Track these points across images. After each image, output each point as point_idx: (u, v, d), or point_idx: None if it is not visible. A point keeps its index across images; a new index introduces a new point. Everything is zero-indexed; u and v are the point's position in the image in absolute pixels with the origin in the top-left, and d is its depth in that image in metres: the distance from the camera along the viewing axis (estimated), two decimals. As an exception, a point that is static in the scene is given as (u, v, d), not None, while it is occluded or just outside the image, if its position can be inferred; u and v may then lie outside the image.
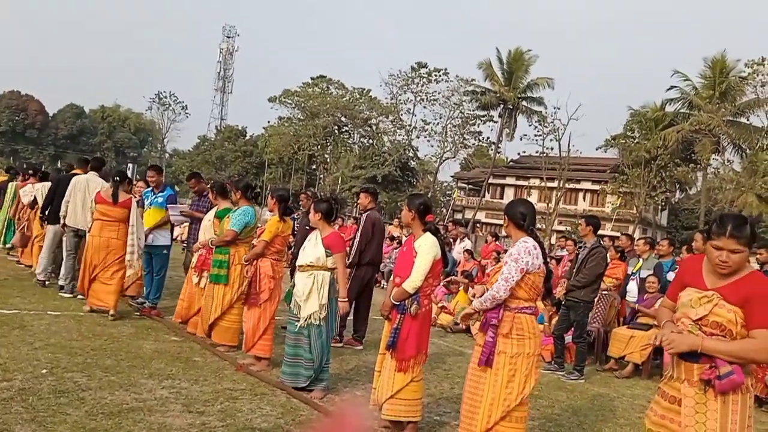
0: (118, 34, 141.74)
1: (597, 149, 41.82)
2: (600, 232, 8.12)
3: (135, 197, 8.98)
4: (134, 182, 10.02)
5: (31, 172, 11.05)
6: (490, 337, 3.78)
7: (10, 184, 11.82)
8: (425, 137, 50.06)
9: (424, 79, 48.95)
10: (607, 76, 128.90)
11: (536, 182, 44.33)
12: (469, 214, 48.15)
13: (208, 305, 6.40)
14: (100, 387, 4.57)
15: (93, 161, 8.83)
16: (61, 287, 8.21)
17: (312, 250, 5.28)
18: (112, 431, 3.78)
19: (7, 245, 11.51)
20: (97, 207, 7.31)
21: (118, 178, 7.44)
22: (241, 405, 4.63)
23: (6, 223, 11.48)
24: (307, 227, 7.35)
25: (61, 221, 8.11)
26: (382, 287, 13.87)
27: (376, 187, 46.62)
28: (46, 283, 8.61)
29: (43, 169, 11.59)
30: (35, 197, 9.81)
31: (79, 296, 7.70)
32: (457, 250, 13.89)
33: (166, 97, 76.84)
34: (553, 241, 32.02)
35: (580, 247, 7.80)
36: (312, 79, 56.24)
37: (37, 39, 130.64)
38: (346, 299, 5.14)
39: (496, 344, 3.77)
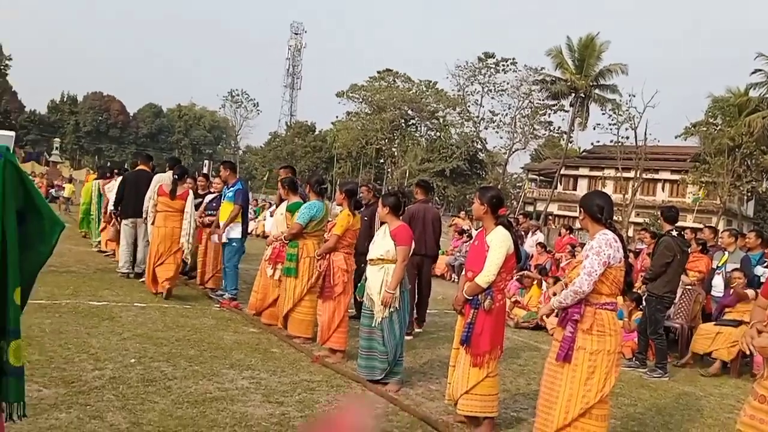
0: (193, 34, 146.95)
1: (676, 137, 40.05)
2: (681, 224, 7.77)
3: (213, 193, 9.36)
4: (211, 179, 10.36)
5: (116, 171, 12.09)
6: (570, 332, 3.69)
7: (94, 182, 12.84)
8: (494, 129, 49.46)
9: (492, 70, 48.29)
10: (686, 61, 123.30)
11: (611, 173, 42.89)
12: (540, 207, 47.24)
13: (283, 297, 6.58)
14: (184, 376, 4.75)
15: (170, 160, 9.51)
16: (139, 275, 8.85)
17: (381, 243, 5.30)
18: (197, 419, 3.92)
19: (95, 240, 12.39)
20: (159, 199, 8.18)
21: (177, 176, 8.31)
22: (319, 396, 4.70)
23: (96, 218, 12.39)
24: (366, 218, 7.42)
25: (144, 215, 8.66)
26: (453, 281, 13.80)
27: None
28: (130, 275, 9.12)
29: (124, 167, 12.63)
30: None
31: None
32: (529, 244, 13.66)
33: (238, 95, 78.85)
34: (630, 233, 30.98)
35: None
36: (378, 72, 56.53)
37: (116, 41, 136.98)
38: (393, 292, 5.12)
39: (576, 339, 3.68)
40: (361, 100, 56.77)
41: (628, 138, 38.58)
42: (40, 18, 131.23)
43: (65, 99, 74.82)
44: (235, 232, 8.14)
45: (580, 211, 3.97)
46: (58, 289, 7.50)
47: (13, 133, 32.51)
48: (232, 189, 8.24)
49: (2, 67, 55.40)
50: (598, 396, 3.64)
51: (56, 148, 49.72)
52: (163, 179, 8.60)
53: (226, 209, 8.12)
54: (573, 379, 3.66)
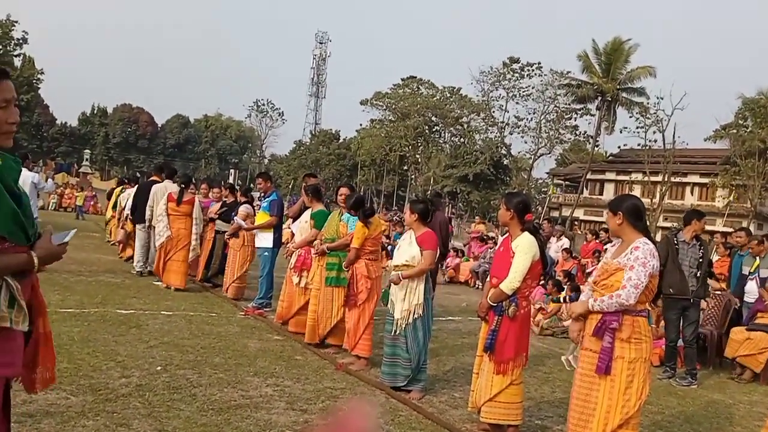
0: (217, 47, 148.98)
1: (705, 140, 39.45)
2: (711, 228, 7.68)
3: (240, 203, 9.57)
4: (236, 188, 10.55)
5: (126, 180, 13.99)
6: (608, 342, 3.57)
7: (114, 191, 13.99)
8: (519, 134, 49.15)
9: (517, 75, 48.02)
10: (715, 62, 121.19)
11: (639, 177, 42.28)
12: (566, 212, 46.77)
13: (329, 309, 6.37)
14: (209, 384, 4.80)
15: (166, 170, 10.41)
16: (150, 272, 9.76)
17: (407, 249, 5.31)
18: (221, 427, 3.95)
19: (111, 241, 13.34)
20: (169, 205, 9.18)
21: (183, 185, 9.36)
22: (342, 404, 4.71)
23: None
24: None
25: (147, 223, 9.66)
26: (477, 288, 13.73)
27: (467, 185, 46.03)
28: (143, 273, 9.94)
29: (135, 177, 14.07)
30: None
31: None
32: (554, 249, 13.54)
33: (263, 105, 79.74)
34: (658, 238, 30.48)
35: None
36: (402, 80, 56.67)
37: (145, 53, 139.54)
38: (407, 278, 5.18)
39: (614, 349, 3.58)
40: (385, 107, 56.97)
41: (656, 141, 38.14)
42: (71, 32, 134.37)
43: (95, 111, 76.24)
44: (267, 241, 8.23)
45: (618, 215, 3.74)
46: (87, 298, 7.64)
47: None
48: (267, 199, 8.41)
49: (34, 80, 56.63)
50: (638, 405, 3.57)
51: (86, 160, 50.58)
52: (159, 189, 9.51)
53: (262, 218, 8.37)
54: (612, 390, 3.56)
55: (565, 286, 9.73)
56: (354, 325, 5.95)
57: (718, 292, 7.99)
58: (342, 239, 6.40)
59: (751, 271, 8.15)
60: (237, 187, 10.55)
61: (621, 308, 3.58)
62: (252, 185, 11.08)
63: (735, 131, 36.44)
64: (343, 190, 6.68)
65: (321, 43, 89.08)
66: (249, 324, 7.30)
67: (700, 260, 6.92)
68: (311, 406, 4.56)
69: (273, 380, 5.10)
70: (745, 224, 32.54)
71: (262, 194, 8.74)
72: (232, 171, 66.28)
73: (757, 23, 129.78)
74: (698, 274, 6.92)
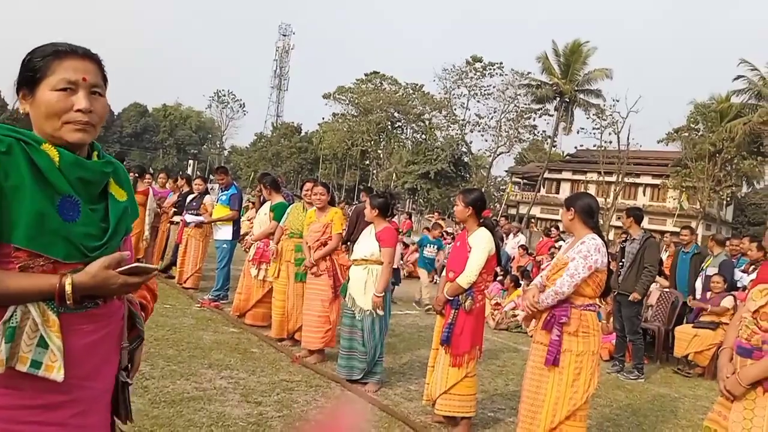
0: (178, 35, 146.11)
1: (658, 142, 40.47)
2: (662, 227, 7.92)
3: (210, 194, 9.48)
4: (194, 179, 10.37)
5: None
6: (556, 335, 3.67)
7: None
8: (479, 132, 49.62)
9: (479, 73, 48.44)
10: (670, 66, 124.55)
11: (594, 177, 43.22)
12: (523, 210, 47.50)
13: (299, 304, 6.24)
14: (162, 376, 4.73)
15: (116, 156, 10.15)
16: None
17: (366, 243, 5.31)
18: (173, 419, 3.90)
19: None
20: None
21: (137, 174, 9.29)
22: (297, 396, 4.71)
23: None
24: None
25: None
26: (435, 282, 13.84)
27: (427, 181, 46.31)
28: None
29: None
30: None
31: None
32: (511, 246, 13.75)
33: (224, 96, 78.55)
34: (611, 236, 31.22)
35: (624, 240, 7.55)
36: (365, 75, 56.50)
37: (100, 40, 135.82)
38: (382, 294, 5.13)
39: (562, 342, 3.68)
40: (347, 102, 56.71)
41: (611, 142, 38.95)
42: (20, 12, 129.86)
43: (48, 97, 73.93)
44: (225, 233, 8.17)
45: (570, 211, 3.86)
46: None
47: None
48: (226, 193, 8.35)
49: (-16, 63, 54.75)
50: (585, 397, 3.67)
51: (38, 147, 48.90)
52: None
53: (220, 212, 8.28)
54: (560, 382, 3.65)
55: (522, 282, 9.90)
56: (334, 319, 5.84)
57: (666, 290, 8.23)
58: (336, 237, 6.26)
59: (704, 267, 8.41)
60: (194, 178, 10.36)
61: (558, 297, 3.67)
62: (211, 176, 11.03)
63: (687, 134, 37.53)
64: (308, 185, 6.60)
65: (284, 35, 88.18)
66: (204, 316, 7.21)
67: (633, 255, 7.14)
68: (266, 399, 4.54)
69: (227, 372, 5.05)
70: (693, 224, 33.62)
71: (222, 188, 8.63)
72: (191, 162, 65.12)
73: (708, 32, 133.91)
74: (626, 269, 7.12)
